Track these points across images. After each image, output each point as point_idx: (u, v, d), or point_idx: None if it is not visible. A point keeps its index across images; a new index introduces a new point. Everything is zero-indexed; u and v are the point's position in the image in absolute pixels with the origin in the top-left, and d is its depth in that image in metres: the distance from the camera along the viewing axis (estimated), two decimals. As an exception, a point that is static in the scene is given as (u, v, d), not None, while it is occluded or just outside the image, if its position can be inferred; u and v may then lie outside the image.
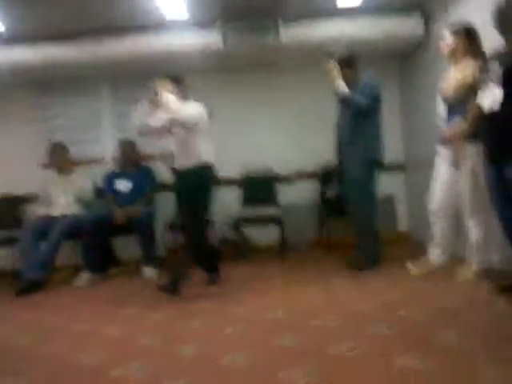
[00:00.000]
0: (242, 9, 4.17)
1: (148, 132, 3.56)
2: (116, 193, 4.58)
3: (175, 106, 3.29)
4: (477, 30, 2.93)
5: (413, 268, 3.32)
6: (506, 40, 2.27)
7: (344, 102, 3.58)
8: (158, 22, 4.25)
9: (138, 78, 4.96)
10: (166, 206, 4.86)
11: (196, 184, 3.39)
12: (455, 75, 2.97)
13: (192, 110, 3.42)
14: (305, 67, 4.74)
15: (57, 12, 4.01)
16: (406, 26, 4.34)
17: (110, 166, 5.07)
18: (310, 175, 5.11)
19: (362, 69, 3.70)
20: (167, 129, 3.48)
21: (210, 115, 5.12)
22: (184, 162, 3.45)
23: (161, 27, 4.35)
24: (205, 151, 3.45)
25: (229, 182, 5.06)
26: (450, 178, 3.09)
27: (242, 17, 4.27)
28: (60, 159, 4.71)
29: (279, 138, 5.14)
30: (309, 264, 4.19)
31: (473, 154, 2.82)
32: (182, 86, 3.47)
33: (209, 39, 4.38)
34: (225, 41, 4.31)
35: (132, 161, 4.79)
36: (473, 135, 2.68)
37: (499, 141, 2.27)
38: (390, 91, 4.88)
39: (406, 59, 5.01)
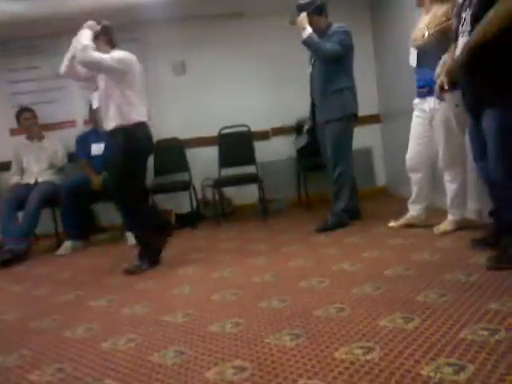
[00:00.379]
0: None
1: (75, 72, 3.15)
2: (90, 157, 4.47)
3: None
4: None
5: (393, 223, 3.38)
6: None
7: (311, 48, 3.50)
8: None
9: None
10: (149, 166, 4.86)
11: (119, 149, 2.97)
12: (426, 21, 2.93)
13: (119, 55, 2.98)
14: (276, 15, 4.54)
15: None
16: None
17: (82, 128, 4.93)
18: (286, 130, 5.07)
19: (332, 17, 3.62)
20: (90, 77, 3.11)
21: (182, 70, 5.03)
22: (109, 122, 3.02)
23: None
24: (136, 111, 3.01)
25: (206, 142, 5.00)
26: (424, 132, 3.10)
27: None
28: (29, 125, 4.57)
29: (254, 93, 5.05)
30: (290, 223, 4.23)
31: (447, 104, 2.81)
32: (110, 35, 3.17)
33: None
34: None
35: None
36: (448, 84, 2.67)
37: (474, 89, 2.26)
38: (362, 40, 4.81)
39: (375, 4, 4.90)
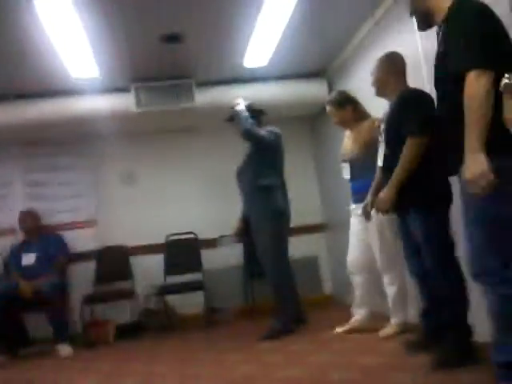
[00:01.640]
0: (156, 71, 4.21)
1: None
2: (21, 268, 4.30)
3: None
4: (353, 94, 3.27)
5: (338, 329, 3.30)
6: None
7: (240, 119, 3.52)
8: (69, 85, 4.16)
9: (51, 143, 4.94)
10: (82, 277, 4.67)
11: None
12: (354, 137, 3.19)
13: None
14: (219, 129, 4.69)
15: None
16: (311, 90, 4.60)
17: (20, 238, 4.76)
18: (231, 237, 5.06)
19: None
20: None
21: (131, 180, 5.12)
22: None
23: (72, 91, 4.26)
24: None
25: (152, 250, 4.92)
26: (361, 236, 3.18)
27: (155, 79, 4.29)
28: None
29: (201, 202, 5.09)
30: (235, 331, 4.07)
31: None
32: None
33: (122, 101, 4.35)
34: (138, 103, 4.29)
35: (33, 231, 4.59)
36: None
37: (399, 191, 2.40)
38: (303, 154, 5.10)
39: (315, 122, 5.25)
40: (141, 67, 4.12)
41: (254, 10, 3.30)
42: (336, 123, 3.32)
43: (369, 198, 2.78)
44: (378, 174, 2.71)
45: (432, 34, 2.45)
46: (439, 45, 1.82)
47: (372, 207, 2.71)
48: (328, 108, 3.28)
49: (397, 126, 2.40)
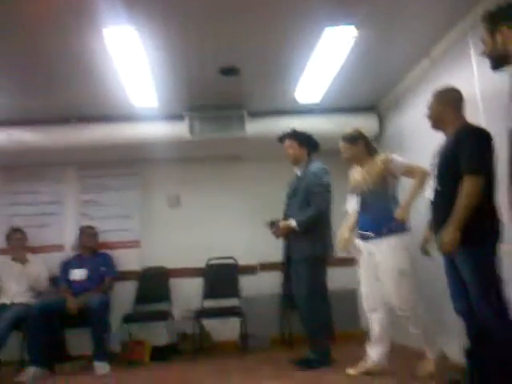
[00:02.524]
0: (210, 101, 4.38)
1: None
2: (70, 282, 4.44)
3: None
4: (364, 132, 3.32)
5: (351, 370, 3.13)
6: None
7: (306, 225, 3.47)
8: (127, 112, 4.39)
9: (104, 165, 5.18)
10: (124, 296, 4.78)
11: None
12: (367, 171, 3.18)
13: None
14: (268, 159, 4.88)
15: (33, 100, 4.12)
16: (362, 124, 4.52)
17: (68, 254, 4.95)
18: (272, 266, 5.08)
19: (326, 164, 3.84)
20: None
21: (176, 203, 5.27)
22: None
23: (130, 117, 4.49)
24: None
25: (192, 273, 4.99)
26: (372, 272, 3.08)
27: (209, 108, 4.47)
28: (16, 246, 4.62)
29: (243, 228, 5.14)
30: (270, 359, 4.02)
31: (395, 248, 2.92)
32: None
33: (176, 129, 4.53)
34: (192, 131, 4.46)
35: (89, 247, 4.73)
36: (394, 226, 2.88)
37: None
38: (341, 185, 5.08)
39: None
40: (196, 97, 4.31)
41: (309, 47, 3.44)
42: (346, 159, 3.32)
43: (425, 234, 2.71)
44: (429, 209, 2.68)
45: (490, 76, 2.52)
46: None
47: (427, 243, 2.66)
48: (341, 143, 3.31)
49: (453, 162, 2.36)
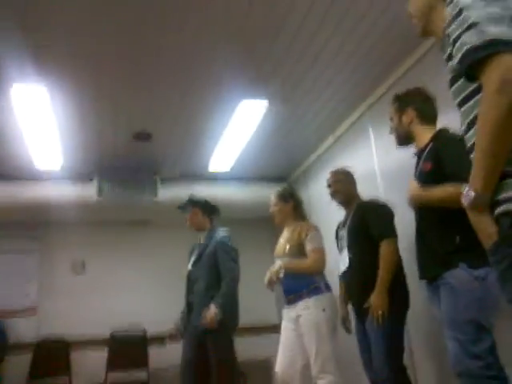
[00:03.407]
0: (122, 164, 4.30)
1: None
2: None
3: None
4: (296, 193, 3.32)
5: None
6: None
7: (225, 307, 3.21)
8: (30, 171, 4.17)
9: (3, 226, 4.73)
10: (16, 371, 4.31)
11: None
12: (288, 236, 3.11)
13: None
14: (178, 225, 4.77)
15: None
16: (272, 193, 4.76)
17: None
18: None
19: (235, 232, 3.80)
20: None
21: (81, 269, 4.94)
22: None
23: (33, 177, 4.26)
24: None
25: (95, 344, 4.66)
26: (295, 340, 2.96)
27: (120, 172, 4.37)
28: None
29: (150, 294, 4.94)
30: None
31: (314, 309, 2.85)
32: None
33: (84, 191, 4.36)
34: (100, 194, 4.31)
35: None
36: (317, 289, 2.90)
37: (359, 296, 2.55)
38: (260, 254, 4.97)
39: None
40: (107, 159, 4.22)
41: (223, 118, 3.56)
42: (274, 214, 3.23)
43: (340, 309, 2.83)
44: (340, 280, 2.84)
45: (386, 152, 2.75)
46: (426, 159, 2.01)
47: (346, 320, 2.80)
48: (272, 198, 3.25)
49: (361, 232, 2.62)
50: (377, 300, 2.44)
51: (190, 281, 3.46)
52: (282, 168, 4.76)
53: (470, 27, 1.05)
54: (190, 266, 3.52)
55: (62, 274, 4.91)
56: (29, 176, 4.26)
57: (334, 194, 2.89)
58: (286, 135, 3.98)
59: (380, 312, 2.42)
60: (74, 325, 4.67)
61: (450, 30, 1.14)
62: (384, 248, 2.50)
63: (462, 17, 1.08)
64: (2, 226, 4.75)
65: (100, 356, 4.52)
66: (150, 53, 2.79)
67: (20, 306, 4.70)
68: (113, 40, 2.66)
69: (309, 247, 2.98)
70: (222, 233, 3.48)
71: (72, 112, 3.34)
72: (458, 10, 1.10)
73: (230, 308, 3.28)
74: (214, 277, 3.33)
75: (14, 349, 4.39)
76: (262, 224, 5.34)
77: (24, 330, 4.58)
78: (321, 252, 2.96)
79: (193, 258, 3.53)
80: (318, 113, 3.65)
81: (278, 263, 3.01)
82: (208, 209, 3.60)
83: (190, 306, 3.40)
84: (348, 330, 2.84)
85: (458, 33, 1.09)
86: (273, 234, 5.43)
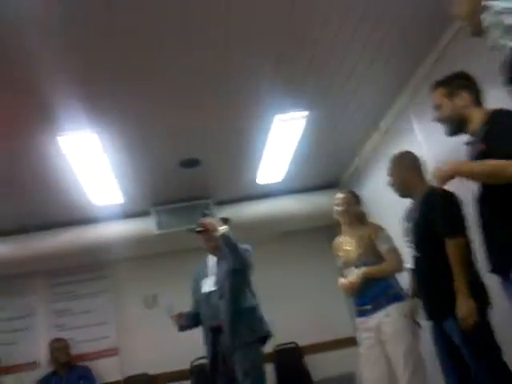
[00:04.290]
0: (175, 194, 4.41)
1: None
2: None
3: None
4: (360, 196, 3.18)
5: None
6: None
7: (230, 243, 2.97)
8: (90, 213, 4.33)
9: (73, 271, 4.96)
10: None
11: None
12: (357, 241, 2.98)
13: None
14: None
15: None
16: (326, 201, 4.44)
17: (44, 370, 4.61)
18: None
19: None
20: None
21: (153, 303, 5.02)
22: None
23: (93, 218, 4.42)
24: None
25: (178, 376, 4.65)
26: (378, 352, 2.85)
27: (174, 201, 4.47)
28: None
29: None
30: None
31: (395, 317, 2.76)
32: None
33: (143, 225, 4.51)
34: (159, 226, 4.42)
35: (63, 363, 4.46)
36: (396, 296, 2.78)
37: (433, 297, 2.35)
38: (320, 265, 4.78)
39: (334, 232, 5.27)
40: (161, 191, 4.34)
41: (264, 133, 3.58)
42: (340, 214, 3.08)
43: (410, 303, 2.68)
44: (410, 277, 2.65)
45: (434, 143, 2.61)
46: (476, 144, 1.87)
47: (415, 312, 2.64)
48: (339, 198, 3.11)
49: (427, 226, 2.33)
50: (464, 310, 2.13)
51: (210, 303, 3.13)
52: (331, 174, 4.69)
53: None
54: (209, 288, 3.16)
55: (135, 310, 5.01)
56: (90, 219, 4.44)
57: (391, 186, 2.64)
58: (328, 140, 3.93)
59: (471, 322, 2.12)
60: (155, 360, 4.72)
61: None
62: (451, 249, 2.20)
63: None
64: (74, 271, 4.96)
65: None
66: (183, 82, 2.85)
67: (101, 347, 4.83)
68: (150, 84, 2.80)
69: (384, 247, 2.89)
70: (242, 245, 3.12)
71: (122, 152, 3.48)
72: None
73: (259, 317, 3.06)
74: (238, 289, 3.06)
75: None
76: (317, 234, 5.23)
77: (109, 370, 4.71)
78: (397, 250, 2.88)
79: (210, 279, 3.19)
80: (357, 111, 3.57)
81: (356, 272, 2.87)
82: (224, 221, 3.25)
83: (215, 330, 3.07)
84: (419, 325, 2.68)
85: None
86: (328, 244, 5.33)
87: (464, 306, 2.13)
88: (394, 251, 2.89)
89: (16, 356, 4.70)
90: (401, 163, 2.60)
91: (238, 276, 3.04)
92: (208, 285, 3.16)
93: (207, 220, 3.14)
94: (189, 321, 3.30)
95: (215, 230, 3.02)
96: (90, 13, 2.21)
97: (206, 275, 3.23)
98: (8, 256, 4.39)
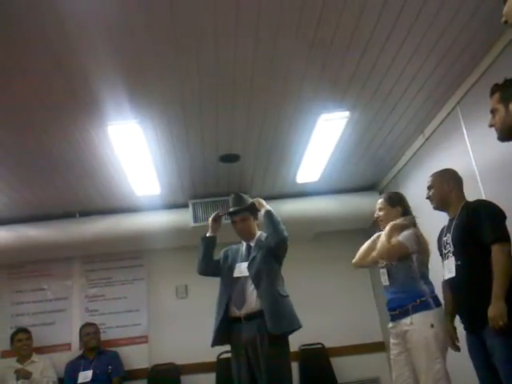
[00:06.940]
0: (212, 188, 4.46)
1: None
2: (77, 384, 4.23)
3: None
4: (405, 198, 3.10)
5: None
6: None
7: (274, 220, 3.04)
8: (131, 203, 4.45)
9: (109, 258, 5.08)
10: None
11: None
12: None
13: None
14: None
15: (36, 196, 4.16)
16: (363, 203, 4.60)
17: (76, 353, 4.75)
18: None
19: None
20: None
21: (184, 293, 5.10)
22: None
23: (132, 208, 4.54)
24: None
25: (204, 368, 4.69)
26: (405, 359, 2.81)
27: (212, 195, 4.54)
28: (20, 347, 4.47)
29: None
30: None
31: (422, 326, 2.70)
32: None
33: (180, 217, 4.58)
34: (195, 219, 4.48)
35: (92, 347, 4.55)
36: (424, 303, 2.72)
37: (472, 303, 2.33)
38: (353, 268, 4.89)
39: (370, 234, 5.19)
40: (199, 184, 4.39)
41: (306, 132, 3.56)
42: (380, 218, 3.06)
43: (446, 323, 2.61)
44: (445, 288, 2.63)
45: (484, 149, 2.54)
46: None
47: (454, 335, 2.58)
48: (380, 201, 3.11)
49: (470, 236, 2.37)
50: (495, 310, 2.15)
51: (240, 289, 3.07)
52: (370, 176, 4.64)
53: None
54: (240, 273, 3.09)
55: (167, 300, 5.09)
56: (131, 208, 4.56)
57: (430, 199, 2.68)
58: (370, 142, 3.88)
59: (501, 323, 2.12)
60: (183, 350, 4.78)
61: None
62: (497, 253, 2.22)
63: None
64: (111, 257, 5.09)
65: (209, 378, 4.58)
66: (227, 77, 2.87)
67: (132, 334, 4.93)
68: (195, 76, 2.82)
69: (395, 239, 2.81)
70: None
71: (164, 144, 3.54)
72: None
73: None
74: (275, 274, 3.05)
75: (130, 376, 4.61)
76: (351, 237, 5.14)
77: (137, 357, 4.79)
78: (401, 243, 2.78)
79: (244, 265, 3.11)
80: (402, 114, 3.51)
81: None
82: (255, 212, 3.22)
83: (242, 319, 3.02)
84: (456, 348, 2.59)
85: None
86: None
87: (495, 307, 2.15)
88: (398, 242, 2.80)
89: (51, 337, 4.85)
90: (443, 178, 2.62)
91: (274, 261, 3.06)
92: (239, 270, 3.10)
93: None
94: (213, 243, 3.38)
95: (262, 205, 3.15)
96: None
97: (237, 260, 3.18)
98: (51, 240, 4.53)
